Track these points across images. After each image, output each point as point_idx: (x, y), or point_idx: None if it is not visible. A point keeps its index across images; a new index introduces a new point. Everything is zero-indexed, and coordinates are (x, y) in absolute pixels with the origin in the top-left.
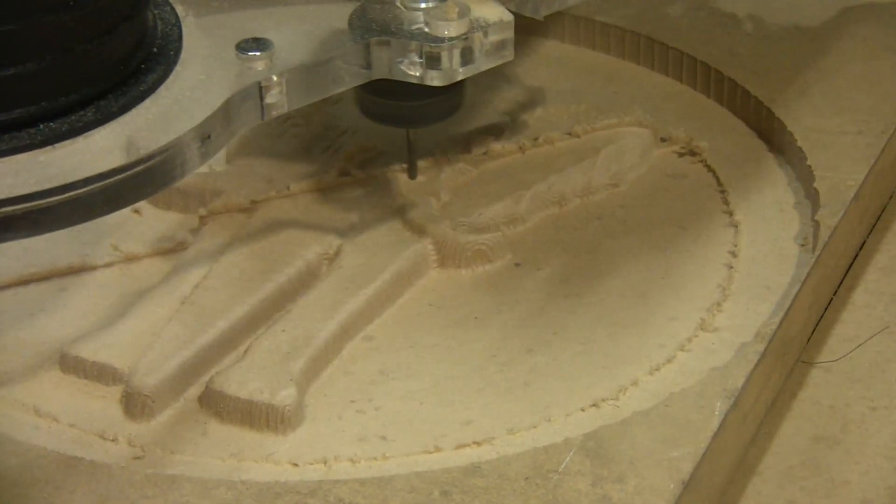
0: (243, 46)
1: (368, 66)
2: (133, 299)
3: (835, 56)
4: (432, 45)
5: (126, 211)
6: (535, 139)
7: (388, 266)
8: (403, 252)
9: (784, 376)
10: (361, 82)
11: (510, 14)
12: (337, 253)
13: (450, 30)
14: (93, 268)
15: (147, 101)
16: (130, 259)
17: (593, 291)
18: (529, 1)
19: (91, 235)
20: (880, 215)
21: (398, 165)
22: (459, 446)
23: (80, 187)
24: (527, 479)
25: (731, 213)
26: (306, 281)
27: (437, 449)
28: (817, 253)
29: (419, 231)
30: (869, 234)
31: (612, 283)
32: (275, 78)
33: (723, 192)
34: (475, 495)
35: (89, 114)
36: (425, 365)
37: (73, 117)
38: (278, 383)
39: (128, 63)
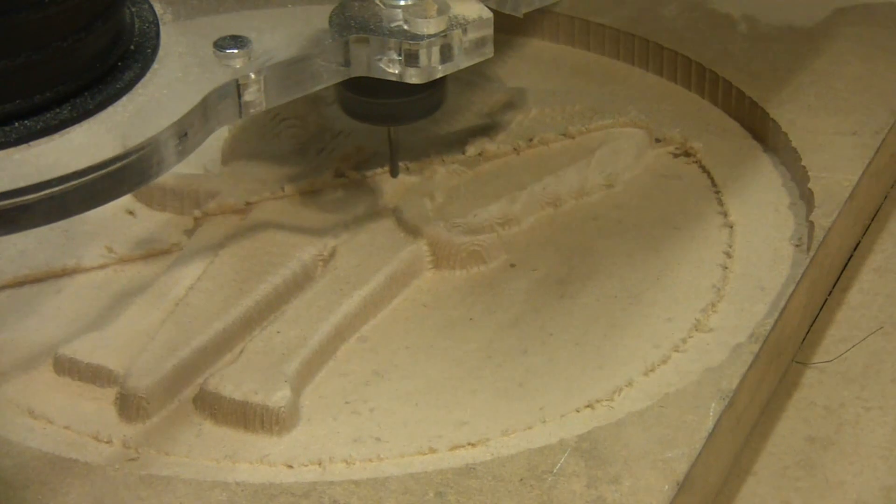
0: (221, 44)
1: (347, 63)
2: (127, 301)
3: (829, 57)
4: (411, 42)
5: (120, 212)
6: (530, 140)
7: (383, 267)
8: (398, 253)
9: (779, 377)
10: (340, 80)
11: (489, 11)
12: (331, 254)
13: (428, 27)
14: (87, 269)
15: (124, 99)
16: (125, 261)
17: (588, 292)
18: None
19: (85, 237)
20: (875, 216)
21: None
22: (454, 447)
23: (56, 185)
24: (521, 480)
25: (725, 214)
26: (301, 282)
27: (432, 450)
28: (812, 253)
29: (414, 232)
30: (863, 234)
31: (606, 284)
32: (252, 76)
33: (717, 192)
34: (470, 496)
35: (65, 111)
36: (420, 366)
37: (48, 115)
38: (273, 385)
39: (104, 60)
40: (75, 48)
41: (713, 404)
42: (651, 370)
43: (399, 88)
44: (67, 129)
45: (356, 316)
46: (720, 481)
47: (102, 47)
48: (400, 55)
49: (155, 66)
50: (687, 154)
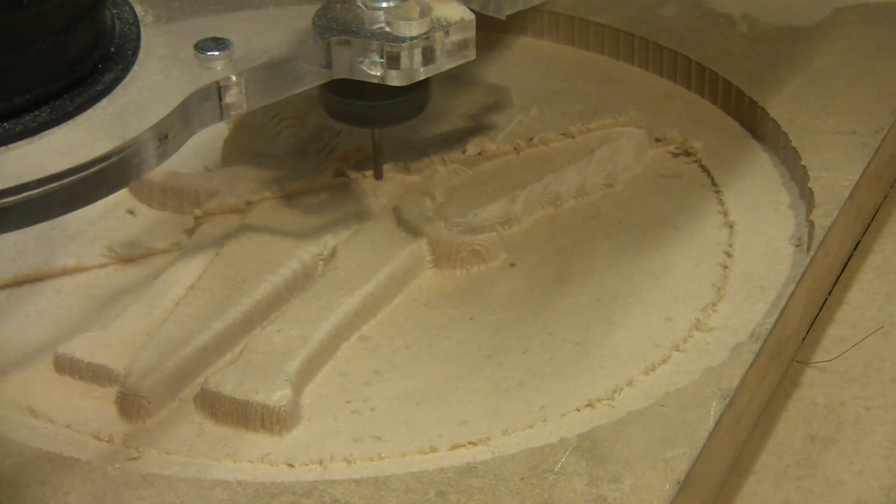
0: (202, 46)
1: (329, 65)
2: (128, 300)
3: (829, 56)
4: (392, 44)
5: (121, 212)
6: (530, 139)
7: (383, 266)
8: (398, 252)
9: (779, 376)
10: (322, 82)
11: (471, 13)
12: (332, 253)
13: (411, 29)
14: (87, 269)
15: (104, 101)
16: (125, 260)
17: (588, 291)
18: (492, 0)
19: (85, 237)
20: (875, 215)
21: (393, 166)
22: (455, 446)
23: (35, 188)
24: (522, 479)
25: (725, 213)
26: (301, 281)
27: (433, 449)
28: (812, 253)
29: (414, 231)
30: (863, 234)
31: (607, 284)
32: (234, 78)
33: (717, 192)
34: (471, 495)
35: (44, 114)
36: (420, 365)
37: (27, 117)
38: (274, 384)
39: (84, 63)
40: (55, 50)
41: (714, 403)
42: (651, 369)
43: (383, 90)
44: (47, 132)
45: (357, 315)
46: (721, 480)
47: (82, 49)
48: (382, 57)
49: (135, 68)
50: (687, 153)
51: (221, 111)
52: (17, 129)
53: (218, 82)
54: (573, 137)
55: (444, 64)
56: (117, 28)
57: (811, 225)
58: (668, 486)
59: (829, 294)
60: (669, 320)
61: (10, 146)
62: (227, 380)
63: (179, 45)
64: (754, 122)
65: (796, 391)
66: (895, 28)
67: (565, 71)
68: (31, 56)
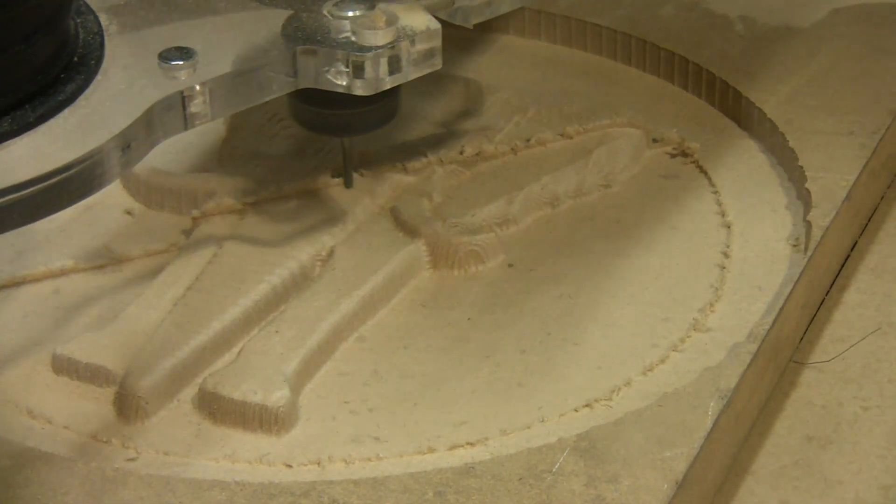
0: (166, 56)
1: (295, 74)
2: (126, 301)
3: (826, 57)
4: (358, 54)
5: (119, 212)
6: (528, 140)
7: (381, 267)
8: (396, 253)
9: (777, 376)
10: (289, 91)
11: (437, 22)
12: (330, 254)
13: (376, 39)
14: (85, 269)
15: (66, 111)
16: (123, 260)
17: (586, 292)
18: (459, 9)
19: (83, 237)
20: (872, 216)
21: (391, 166)
22: (453, 447)
23: None
24: (520, 479)
25: (723, 214)
26: (299, 282)
27: (431, 449)
28: (809, 253)
29: (412, 232)
30: (861, 234)
31: (604, 284)
32: (197, 87)
33: (715, 192)
34: (469, 496)
35: (5, 124)
36: (418, 366)
37: None
38: (272, 384)
39: (46, 73)
40: (16, 60)
41: (712, 404)
42: (649, 370)
43: (352, 99)
44: (7, 143)
45: (355, 316)
46: (719, 480)
47: (44, 60)
48: (348, 67)
49: (99, 77)
50: (684, 154)
51: (186, 120)
52: None
53: (182, 92)
54: (571, 138)
55: (410, 73)
56: (81, 37)
57: (809, 225)
58: (666, 486)
59: (827, 294)
60: (667, 321)
61: None
62: (226, 380)
63: (144, 55)
64: (751, 123)
65: (794, 391)
66: (893, 28)
67: (563, 72)
68: None
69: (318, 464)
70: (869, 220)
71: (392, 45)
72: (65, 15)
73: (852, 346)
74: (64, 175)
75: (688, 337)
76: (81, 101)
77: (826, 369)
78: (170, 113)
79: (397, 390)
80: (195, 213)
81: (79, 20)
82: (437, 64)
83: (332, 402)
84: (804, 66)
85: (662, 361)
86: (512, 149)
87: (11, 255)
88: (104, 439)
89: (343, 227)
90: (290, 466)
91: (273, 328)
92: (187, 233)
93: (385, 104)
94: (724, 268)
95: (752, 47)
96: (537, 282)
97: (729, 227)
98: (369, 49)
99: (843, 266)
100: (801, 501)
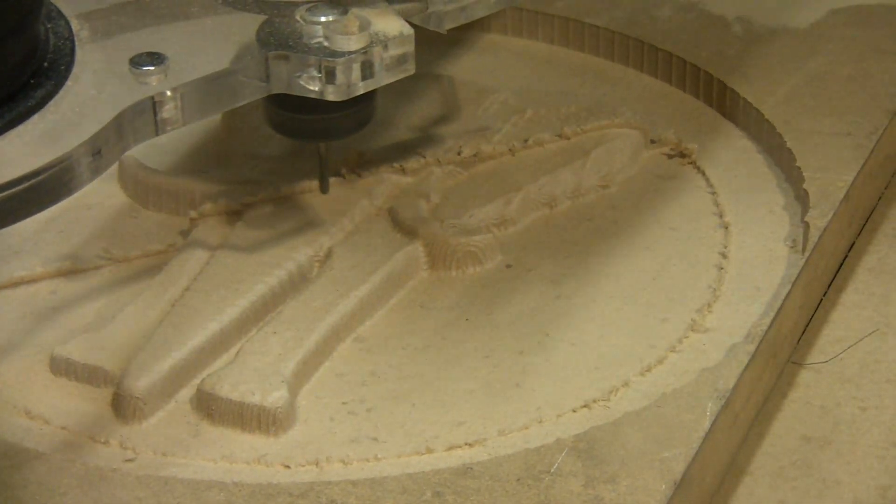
0: (137, 61)
1: (267, 79)
2: (124, 301)
3: (823, 58)
4: (330, 59)
5: (116, 213)
6: (525, 141)
7: (379, 268)
8: (394, 254)
9: (775, 377)
10: (261, 96)
11: (411, 28)
12: (327, 255)
13: (349, 44)
14: (83, 270)
15: (35, 117)
16: (121, 261)
17: (584, 293)
18: (433, 14)
19: (81, 238)
20: (869, 216)
21: (389, 167)
22: (451, 447)
23: None
24: (518, 479)
25: (721, 215)
26: (297, 283)
27: (429, 450)
28: (807, 254)
29: (410, 233)
30: (858, 235)
31: (602, 285)
32: (168, 93)
33: (713, 193)
34: (467, 496)
35: None
36: (416, 366)
37: None
38: (270, 385)
39: (15, 78)
40: None
41: (710, 404)
42: (647, 370)
43: (327, 104)
44: None
45: (352, 316)
46: (717, 481)
47: (13, 65)
48: (320, 72)
49: (69, 83)
50: (682, 155)
51: (157, 126)
52: None
53: (153, 97)
54: (568, 139)
55: (382, 78)
56: (51, 43)
57: (806, 226)
58: (664, 486)
59: (825, 295)
60: (665, 321)
61: None
62: (224, 381)
63: (115, 60)
64: (749, 124)
65: (792, 392)
66: (889, 29)
67: (560, 72)
68: None
69: (316, 464)
70: (867, 221)
71: (365, 51)
72: (35, 20)
73: (850, 346)
74: (33, 181)
75: (686, 337)
76: (51, 106)
77: (824, 370)
78: (141, 118)
79: (395, 391)
80: (193, 214)
81: (49, 25)
82: (411, 69)
83: (329, 403)
84: (801, 66)
85: (660, 362)
86: (510, 149)
87: (9, 256)
88: (102, 440)
89: (341, 228)
90: (288, 467)
91: (271, 329)
92: (185, 234)
93: (360, 109)
94: (721, 268)
95: (749, 48)
96: (535, 282)
97: (727, 227)
98: (342, 54)
99: (840, 267)
100: (799, 502)
